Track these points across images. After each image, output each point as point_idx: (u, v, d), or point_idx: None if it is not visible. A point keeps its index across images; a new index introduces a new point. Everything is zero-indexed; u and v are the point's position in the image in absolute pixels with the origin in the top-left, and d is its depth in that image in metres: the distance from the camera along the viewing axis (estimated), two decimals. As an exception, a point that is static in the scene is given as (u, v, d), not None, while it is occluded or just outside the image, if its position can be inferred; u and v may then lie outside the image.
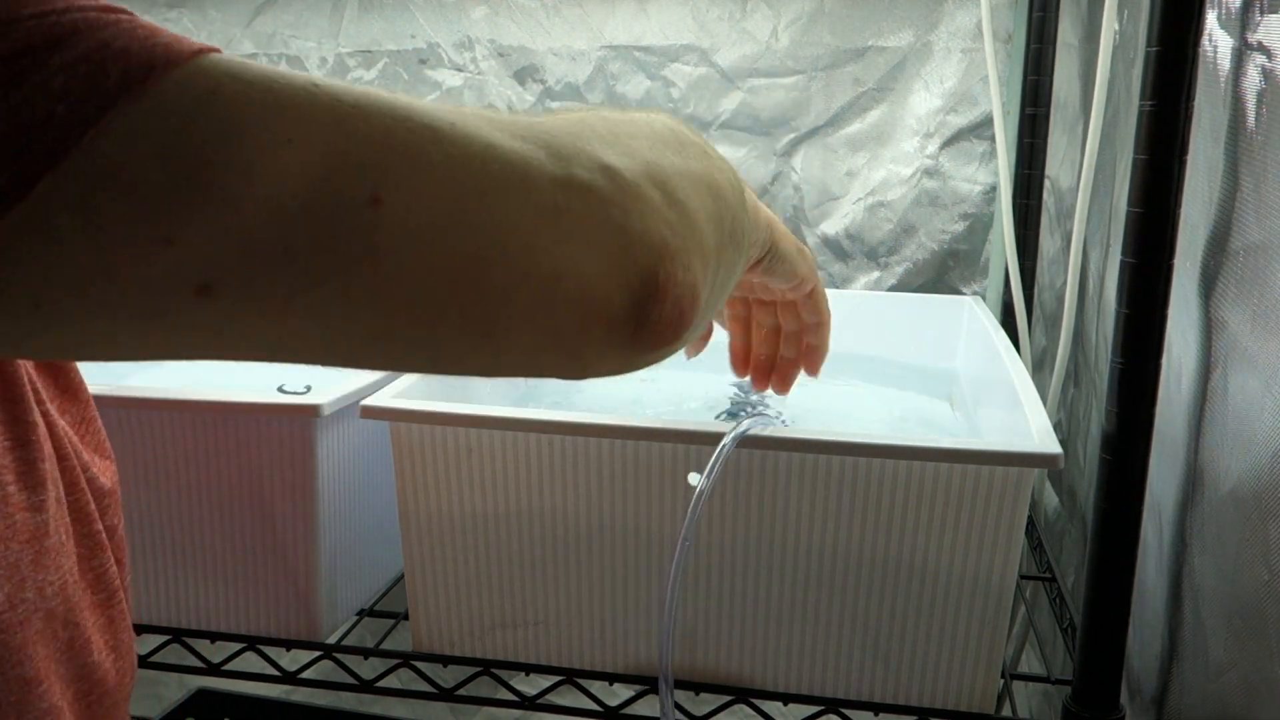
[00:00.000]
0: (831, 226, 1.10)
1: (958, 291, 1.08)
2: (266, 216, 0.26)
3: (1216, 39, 0.58)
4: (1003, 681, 0.66)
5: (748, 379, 0.71)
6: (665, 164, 0.36)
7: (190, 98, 0.26)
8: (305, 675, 0.73)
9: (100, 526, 0.45)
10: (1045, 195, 0.99)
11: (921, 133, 1.06)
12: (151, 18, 1.03)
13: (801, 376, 0.69)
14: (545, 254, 0.31)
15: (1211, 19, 0.58)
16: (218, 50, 0.27)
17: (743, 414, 0.84)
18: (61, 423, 0.44)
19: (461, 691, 0.70)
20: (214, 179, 0.25)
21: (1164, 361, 0.56)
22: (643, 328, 0.33)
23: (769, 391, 0.70)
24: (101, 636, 0.44)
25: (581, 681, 0.69)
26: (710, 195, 0.38)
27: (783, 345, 0.67)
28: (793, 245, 0.57)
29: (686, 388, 0.91)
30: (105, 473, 0.46)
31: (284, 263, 0.27)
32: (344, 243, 0.27)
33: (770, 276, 0.57)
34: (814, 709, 0.66)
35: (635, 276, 0.33)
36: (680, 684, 0.67)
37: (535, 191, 0.31)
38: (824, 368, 0.65)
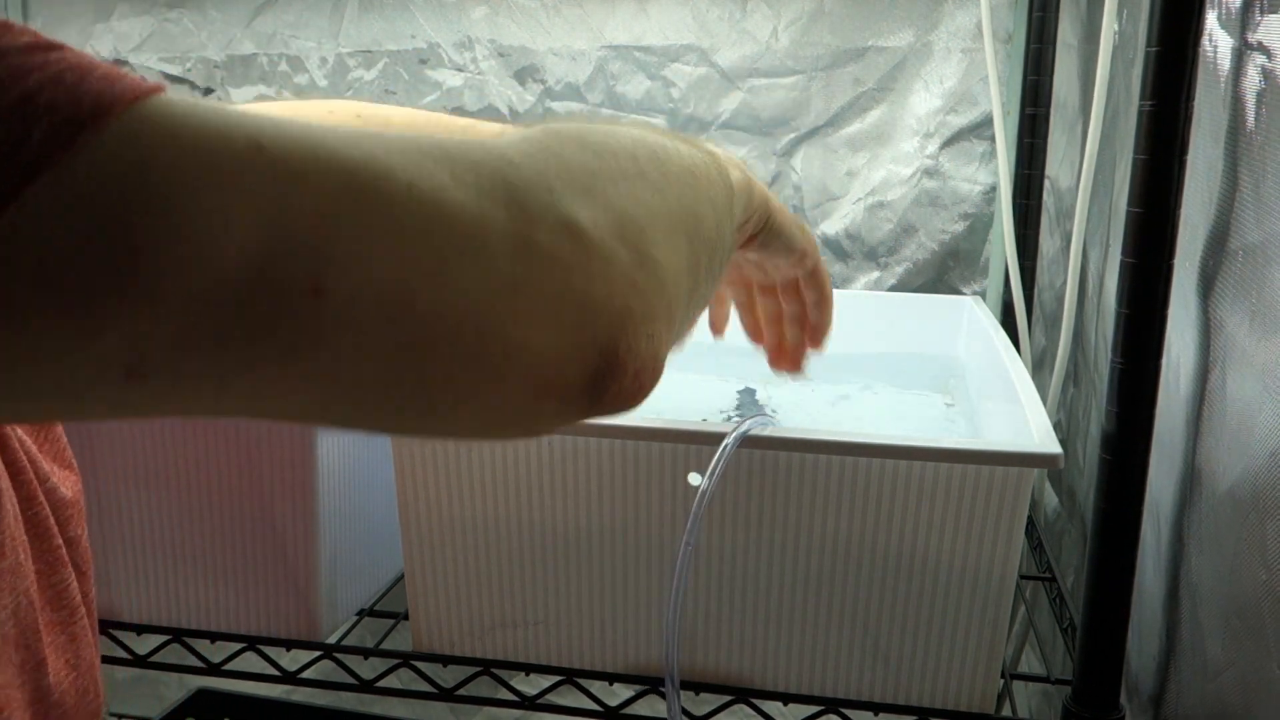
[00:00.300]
0: (831, 226, 1.10)
1: (958, 291, 1.08)
2: (199, 306, 0.24)
3: (1216, 39, 0.58)
4: (1003, 681, 0.66)
5: (747, 387, 0.71)
6: (640, 212, 0.34)
7: (119, 171, 0.23)
8: (305, 675, 0.73)
9: (60, 541, 0.43)
10: (1045, 195, 0.99)
11: (921, 133, 1.06)
12: (152, 18, 1.02)
13: (801, 384, 0.68)
14: (497, 334, 0.29)
15: (1211, 19, 0.58)
16: (159, 89, 0.25)
17: (743, 414, 0.84)
18: (18, 434, 0.42)
19: (461, 691, 0.70)
20: (143, 268, 0.23)
21: (1163, 362, 0.56)
22: (599, 401, 0.31)
23: (769, 393, 0.70)
24: (60, 656, 0.43)
25: (581, 681, 0.69)
26: (687, 238, 0.36)
27: (787, 328, 0.66)
28: (791, 220, 0.56)
29: (687, 388, 0.91)
30: (66, 482, 0.45)
31: (216, 350, 0.25)
32: (280, 332, 0.26)
33: (767, 250, 0.56)
34: (814, 709, 0.66)
35: (594, 351, 0.31)
36: (680, 684, 0.67)
37: (492, 265, 0.29)
38: (824, 366, 0.65)
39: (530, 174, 0.31)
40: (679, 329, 0.36)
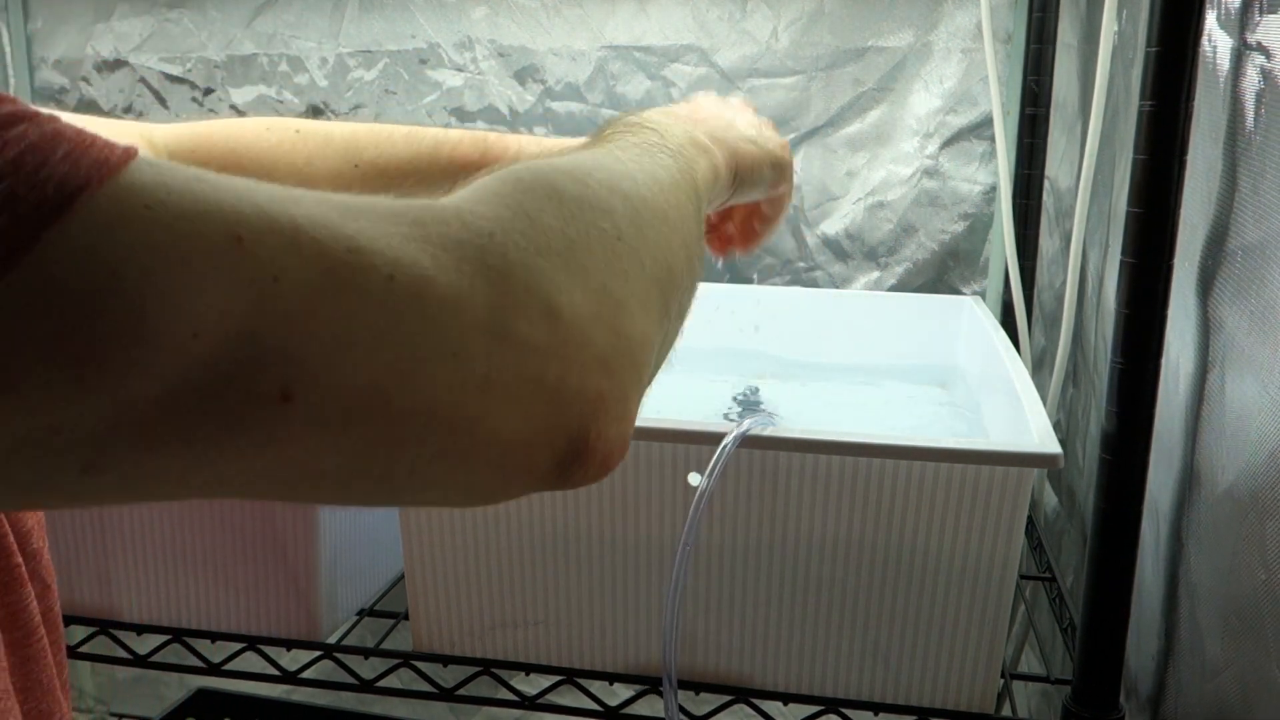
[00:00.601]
0: (831, 226, 1.10)
1: (958, 291, 1.08)
2: (162, 409, 0.23)
3: (1216, 39, 0.59)
4: (1002, 681, 0.66)
5: (748, 386, 0.71)
6: (616, 285, 0.33)
7: (85, 271, 0.22)
8: (305, 675, 0.73)
9: (19, 559, 0.42)
10: (1045, 195, 0.99)
11: (921, 133, 1.06)
12: (152, 18, 1.02)
13: (802, 384, 0.68)
14: (467, 428, 0.28)
15: (1211, 19, 0.59)
16: (130, 157, 0.23)
17: (743, 414, 0.84)
18: None
19: (461, 691, 0.70)
20: (107, 372, 0.22)
21: (1162, 362, 0.56)
22: (564, 482, 0.31)
23: (769, 393, 0.70)
24: (9, 679, 0.42)
25: (581, 681, 0.69)
26: (661, 294, 0.36)
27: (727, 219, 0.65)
28: (763, 168, 0.55)
29: (687, 388, 0.91)
30: None
31: (179, 448, 0.24)
32: (245, 434, 0.25)
33: (741, 199, 0.56)
34: (814, 709, 0.66)
35: (564, 438, 0.30)
36: (680, 684, 0.67)
37: (467, 360, 0.28)
38: (824, 366, 0.66)
39: (508, 250, 0.30)
40: (648, 385, 0.36)
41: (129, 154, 0.23)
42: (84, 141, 0.23)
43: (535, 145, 0.63)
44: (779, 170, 0.58)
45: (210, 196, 0.24)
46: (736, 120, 0.57)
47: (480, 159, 0.63)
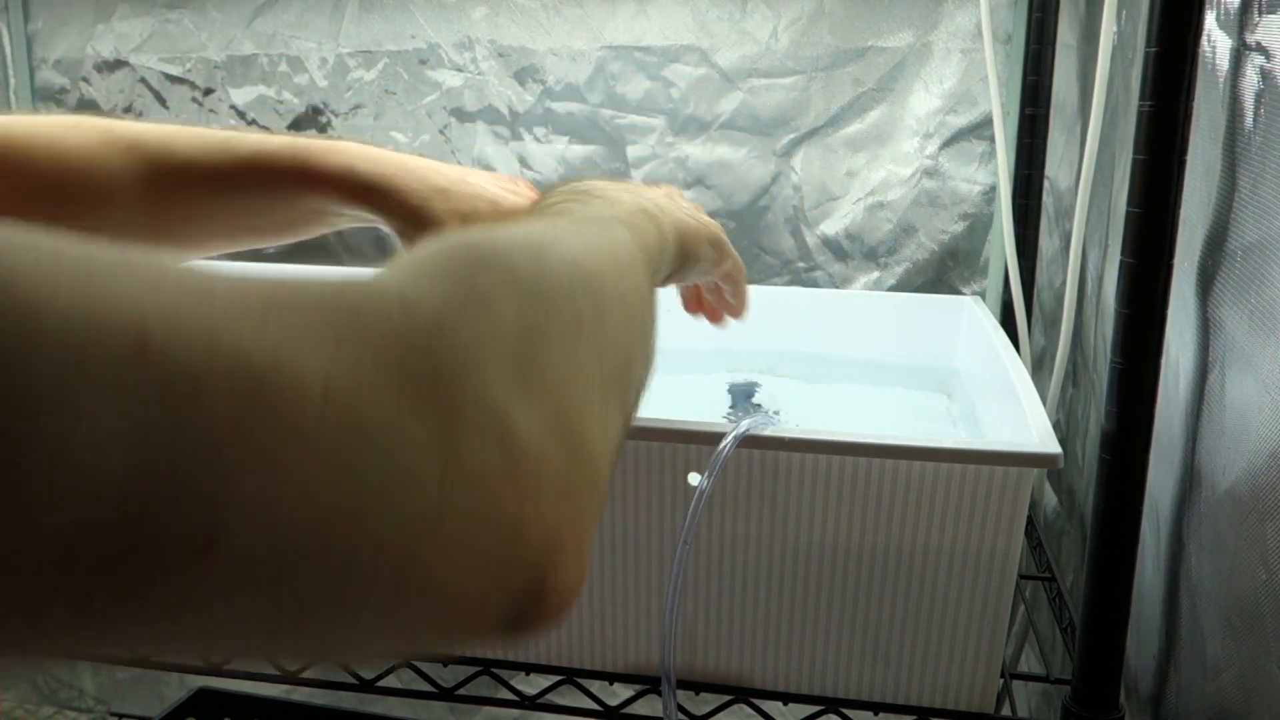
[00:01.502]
0: (831, 226, 1.10)
1: (957, 291, 1.08)
2: (54, 565, 0.19)
3: (1215, 39, 0.59)
4: (1002, 681, 0.66)
5: (747, 381, 0.71)
6: (575, 391, 0.30)
7: None
8: (305, 675, 0.73)
9: None
10: (1045, 195, 0.99)
11: (921, 133, 1.06)
12: (152, 18, 1.02)
13: (802, 384, 0.68)
14: (415, 576, 0.24)
15: (1210, 19, 0.59)
16: None
17: (743, 414, 0.85)
18: None
19: (461, 691, 0.70)
20: None
21: (1162, 361, 0.56)
22: (519, 629, 0.28)
23: (770, 393, 0.70)
24: None
25: (581, 681, 0.69)
26: (620, 396, 0.33)
27: (705, 291, 0.66)
28: (703, 244, 0.54)
29: (686, 388, 0.91)
30: None
31: (77, 609, 0.20)
32: (162, 592, 0.20)
33: (684, 279, 0.56)
34: (814, 709, 0.66)
35: (519, 580, 0.27)
36: (680, 684, 0.67)
37: (418, 497, 0.24)
38: (825, 366, 0.66)
39: (460, 349, 0.27)
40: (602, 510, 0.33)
41: None
42: None
43: (366, 160, 0.60)
44: (718, 248, 0.57)
45: (104, 292, 0.20)
46: (673, 202, 0.55)
47: (302, 172, 0.59)
